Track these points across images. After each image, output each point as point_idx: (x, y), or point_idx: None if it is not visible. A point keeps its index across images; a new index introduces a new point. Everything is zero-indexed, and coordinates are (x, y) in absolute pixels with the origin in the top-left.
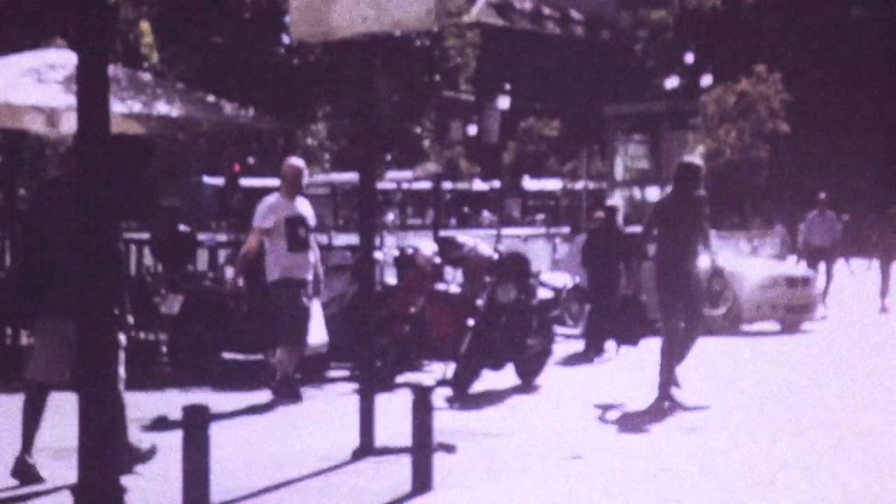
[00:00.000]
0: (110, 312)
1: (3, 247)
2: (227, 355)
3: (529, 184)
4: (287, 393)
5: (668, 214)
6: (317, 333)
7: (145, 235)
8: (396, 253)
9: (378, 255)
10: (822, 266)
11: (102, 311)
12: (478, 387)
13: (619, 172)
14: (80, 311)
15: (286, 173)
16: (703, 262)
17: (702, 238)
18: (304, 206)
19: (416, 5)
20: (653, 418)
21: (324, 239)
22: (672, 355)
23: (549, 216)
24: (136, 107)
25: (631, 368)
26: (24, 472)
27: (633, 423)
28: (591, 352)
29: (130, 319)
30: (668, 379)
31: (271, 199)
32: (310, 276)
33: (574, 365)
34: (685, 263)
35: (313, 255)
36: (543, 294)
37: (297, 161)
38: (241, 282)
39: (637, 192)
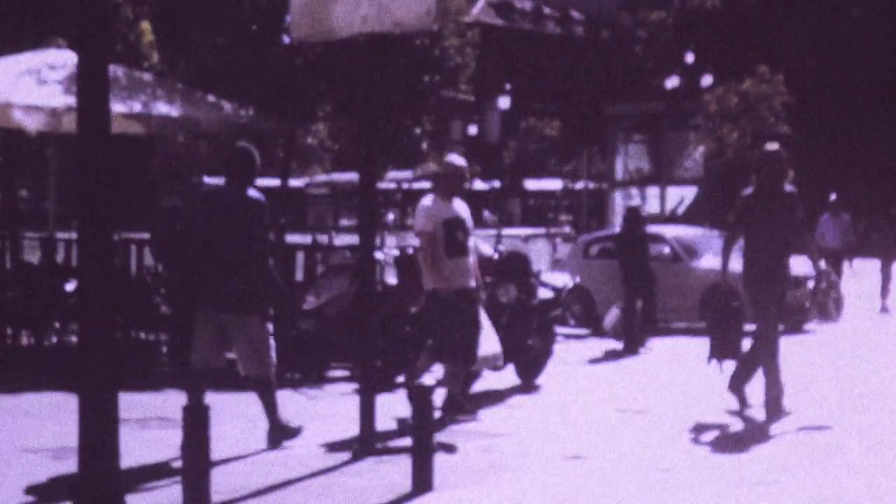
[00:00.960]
0: (110, 313)
1: (3, 247)
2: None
3: (529, 184)
4: (456, 410)
5: (750, 211)
6: (488, 344)
7: (145, 235)
8: (396, 253)
9: (378, 255)
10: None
11: (102, 311)
12: (478, 387)
13: (619, 172)
14: (83, 312)
15: (446, 172)
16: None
17: (798, 241)
18: (461, 208)
19: (416, 5)
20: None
21: (324, 239)
22: (772, 359)
23: (553, 217)
24: (136, 107)
25: (632, 369)
26: (279, 436)
27: (633, 423)
28: (634, 346)
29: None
30: (777, 390)
31: (427, 201)
32: (472, 283)
33: (574, 365)
34: (768, 266)
35: (473, 260)
36: (544, 294)
37: (458, 159)
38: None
39: (637, 192)
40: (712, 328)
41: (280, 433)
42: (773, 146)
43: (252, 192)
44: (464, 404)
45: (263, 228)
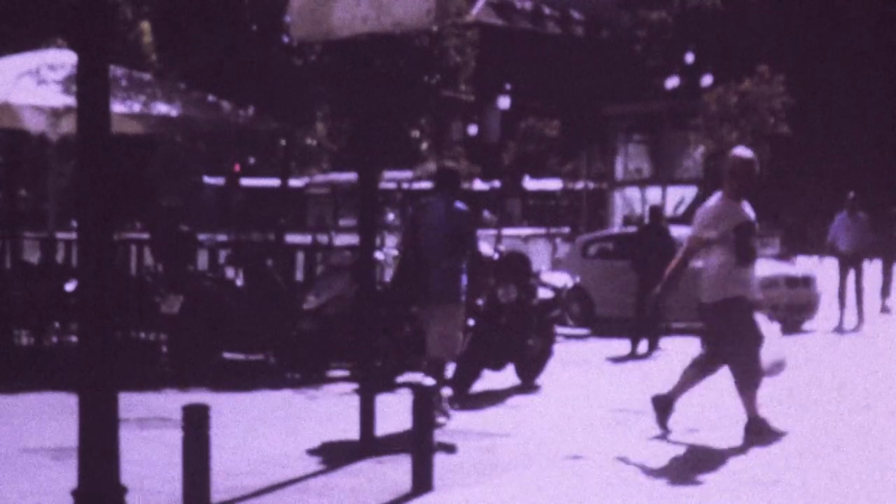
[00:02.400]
0: (110, 312)
1: (3, 246)
2: (227, 355)
3: (529, 184)
4: (761, 431)
5: None
6: (772, 351)
7: (145, 235)
8: (396, 253)
9: (378, 255)
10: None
11: (102, 310)
12: (478, 387)
13: (619, 172)
14: (83, 312)
15: (735, 168)
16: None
17: None
18: (749, 209)
19: (416, 5)
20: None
21: (324, 239)
22: None
23: (549, 216)
24: (136, 107)
25: (631, 369)
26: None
27: (633, 423)
28: (635, 349)
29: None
30: None
31: (714, 202)
32: (759, 294)
33: (574, 365)
34: None
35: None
36: (543, 294)
37: (745, 151)
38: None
39: (637, 192)
40: None
41: (440, 414)
42: None
43: (458, 203)
44: (770, 424)
45: (470, 233)
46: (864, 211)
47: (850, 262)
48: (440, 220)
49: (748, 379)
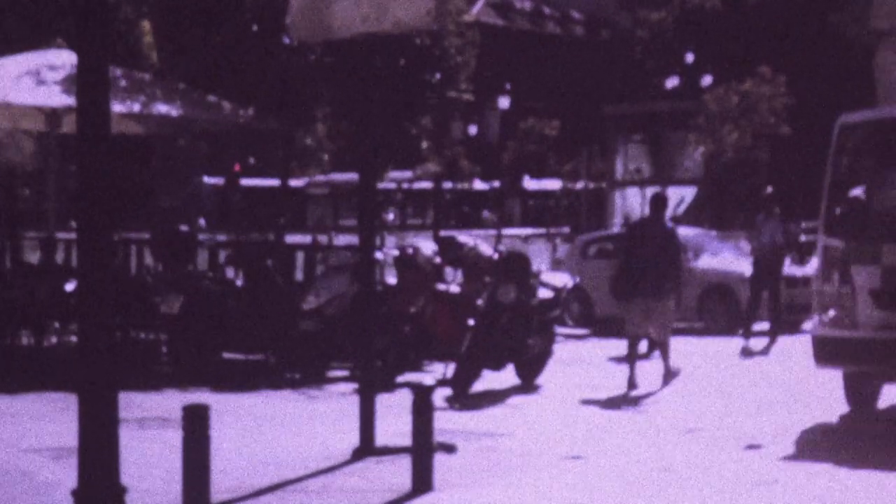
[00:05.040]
0: (110, 312)
1: (3, 246)
2: (227, 355)
3: (529, 184)
4: None
5: None
6: None
7: (145, 235)
8: (396, 253)
9: (378, 255)
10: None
11: (102, 310)
12: (478, 387)
13: (618, 172)
14: (83, 312)
15: None
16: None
17: None
18: None
19: (416, 5)
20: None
21: (324, 239)
22: None
23: (549, 216)
24: (136, 107)
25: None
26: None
27: (633, 423)
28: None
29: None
30: None
31: None
32: None
33: (574, 365)
34: None
35: None
36: (543, 294)
37: None
38: None
39: (637, 192)
40: None
41: (669, 376)
42: None
43: (668, 222)
44: None
45: (676, 246)
46: (778, 209)
47: (761, 265)
48: (655, 234)
49: None
